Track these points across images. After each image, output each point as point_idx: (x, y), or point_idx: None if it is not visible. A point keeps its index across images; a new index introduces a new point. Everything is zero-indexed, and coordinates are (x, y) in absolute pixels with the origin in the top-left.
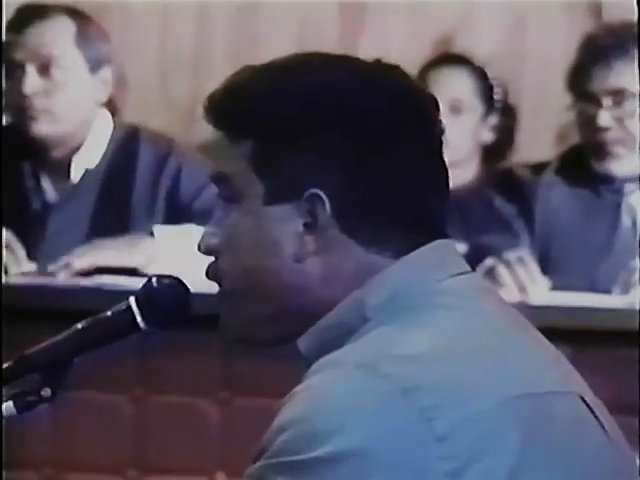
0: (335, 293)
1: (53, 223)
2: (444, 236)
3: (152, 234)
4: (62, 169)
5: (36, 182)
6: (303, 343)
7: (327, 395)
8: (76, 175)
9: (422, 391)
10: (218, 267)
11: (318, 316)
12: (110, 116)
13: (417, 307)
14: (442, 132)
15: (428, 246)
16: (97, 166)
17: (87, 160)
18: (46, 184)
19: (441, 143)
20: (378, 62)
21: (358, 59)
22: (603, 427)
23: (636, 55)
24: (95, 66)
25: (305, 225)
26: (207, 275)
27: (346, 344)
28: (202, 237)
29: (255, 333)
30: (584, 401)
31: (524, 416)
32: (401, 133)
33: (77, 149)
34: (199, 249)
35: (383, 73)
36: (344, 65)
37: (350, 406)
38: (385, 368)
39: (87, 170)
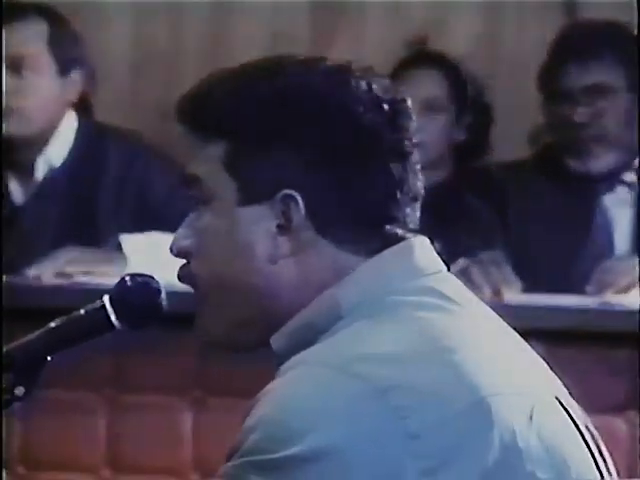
0: (310, 293)
1: (19, 225)
2: (417, 234)
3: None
4: (28, 170)
5: (3, 183)
6: (276, 342)
7: (299, 394)
8: (40, 175)
9: (395, 391)
10: (191, 270)
11: (292, 316)
12: (76, 117)
13: (388, 306)
14: (413, 134)
15: (401, 244)
16: (63, 166)
17: (51, 160)
18: (13, 185)
19: (413, 144)
20: (349, 64)
21: (329, 61)
22: (578, 428)
23: (611, 52)
24: (65, 68)
25: (279, 226)
26: (179, 278)
27: (318, 342)
28: (174, 240)
29: (232, 337)
30: (559, 402)
31: (498, 417)
32: (372, 135)
33: (43, 150)
34: (171, 251)
35: (354, 75)
36: (315, 67)
37: (322, 405)
38: (357, 368)
39: (52, 170)
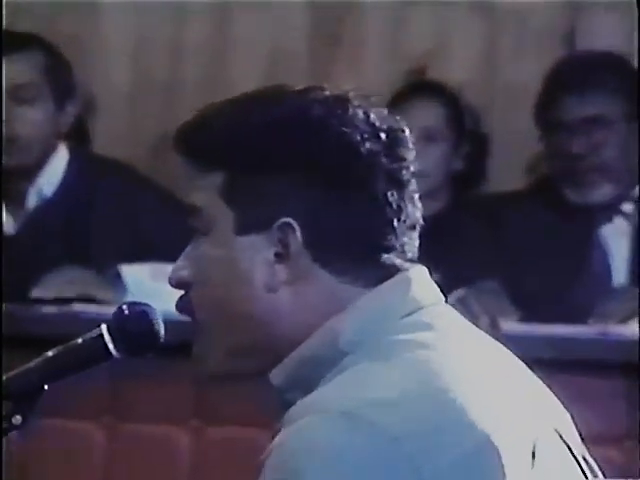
0: (308, 323)
1: (10, 255)
2: (416, 263)
3: (118, 275)
4: (19, 200)
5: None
6: (277, 377)
7: (315, 447)
8: (31, 205)
9: (408, 438)
10: (189, 300)
11: (291, 347)
12: (68, 148)
13: (388, 346)
14: (411, 162)
15: (398, 277)
16: (54, 196)
17: (42, 190)
18: (4, 215)
19: (411, 173)
20: (347, 93)
21: (326, 90)
22: (576, 459)
23: (608, 83)
24: (60, 99)
25: (276, 255)
26: (177, 309)
27: (323, 379)
28: (172, 270)
29: (230, 366)
30: (559, 434)
31: (505, 454)
32: (369, 163)
33: (34, 180)
34: (170, 282)
35: (352, 104)
36: (312, 96)
37: (337, 458)
38: (370, 415)
39: (43, 200)
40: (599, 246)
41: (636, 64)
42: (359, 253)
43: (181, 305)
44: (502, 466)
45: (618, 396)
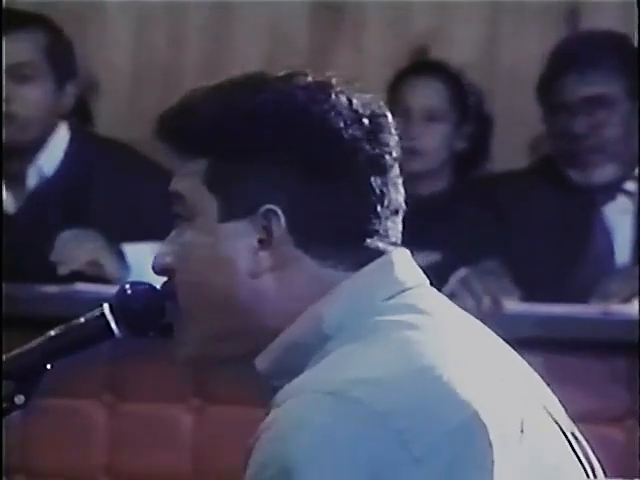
0: (292, 308)
1: (10, 234)
2: (399, 247)
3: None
4: (20, 179)
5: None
6: (261, 363)
7: (303, 427)
8: (32, 184)
9: (395, 414)
10: (173, 286)
11: (275, 332)
12: (69, 128)
13: (373, 328)
14: (393, 148)
15: (381, 259)
16: (54, 176)
17: (42, 169)
18: (4, 194)
19: (393, 158)
20: (329, 79)
21: (309, 77)
22: (566, 436)
23: (610, 63)
24: (61, 79)
25: (260, 241)
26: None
27: (308, 364)
28: (155, 257)
29: (211, 350)
30: (547, 411)
31: (492, 430)
32: (352, 149)
33: (34, 159)
34: (153, 269)
35: (334, 90)
36: (295, 83)
37: (325, 436)
38: (355, 392)
39: (43, 179)
40: (602, 225)
41: (637, 42)
42: (342, 238)
43: (166, 290)
44: (489, 442)
45: (619, 375)
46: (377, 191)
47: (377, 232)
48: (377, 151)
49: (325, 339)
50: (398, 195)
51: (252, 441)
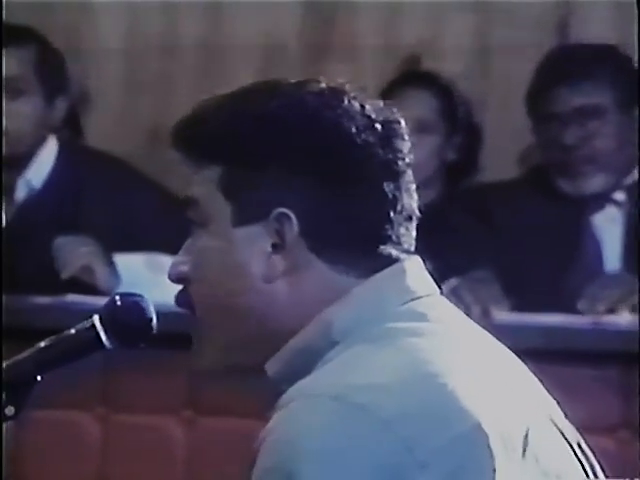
0: (305, 313)
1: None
2: (411, 254)
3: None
4: (9, 191)
5: None
6: (272, 367)
7: (301, 432)
8: (21, 197)
9: (398, 421)
10: (189, 295)
11: (287, 337)
12: (57, 141)
13: (381, 334)
14: (406, 154)
15: (393, 267)
16: (43, 188)
17: (31, 182)
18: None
19: (406, 164)
20: (342, 85)
21: (322, 83)
22: (572, 447)
23: (600, 73)
24: (51, 94)
25: (273, 245)
26: (177, 303)
27: (315, 369)
28: (172, 265)
29: (229, 360)
30: (553, 422)
31: (496, 439)
32: (365, 155)
33: (23, 171)
34: (169, 277)
35: (347, 96)
36: (309, 89)
37: (329, 441)
38: (358, 398)
39: (32, 192)
40: (591, 235)
41: (630, 52)
42: (355, 243)
43: (181, 300)
44: (491, 452)
45: (611, 385)
46: (390, 196)
47: (390, 238)
48: (390, 157)
49: (333, 344)
50: (411, 201)
51: (256, 444)
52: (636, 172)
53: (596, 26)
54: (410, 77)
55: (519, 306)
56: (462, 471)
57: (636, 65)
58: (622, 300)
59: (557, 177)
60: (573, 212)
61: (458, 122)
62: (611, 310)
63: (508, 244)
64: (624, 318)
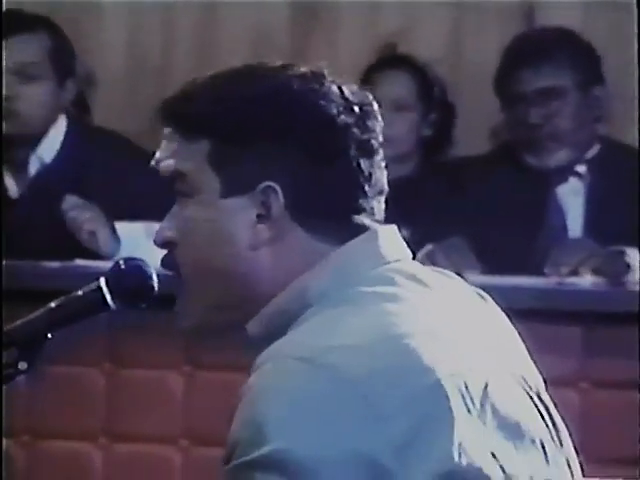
0: (285, 279)
1: (14, 217)
2: (384, 224)
3: (114, 230)
4: (22, 167)
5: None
6: (252, 328)
7: (271, 392)
8: (33, 171)
9: (365, 380)
10: (175, 258)
11: (269, 300)
12: (67, 120)
13: (352, 297)
14: (379, 133)
15: (366, 234)
16: (53, 163)
17: (43, 158)
18: (8, 180)
19: (379, 143)
20: (322, 70)
21: (306, 67)
22: (538, 409)
23: (561, 56)
24: (62, 77)
25: (259, 215)
26: (163, 266)
27: (288, 331)
28: (158, 231)
29: (212, 319)
30: (516, 377)
31: (454, 395)
32: (344, 134)
33: (36, 148)
34: (155, 242)
35: (327, 80)
36: (292, 73)
37: (296, 399)
38: (325, 359)
39: (43, 166)
40: (556, 205)
41: (590, 36)
42: (334, 214)
43: (167, 262)
44: (450, 407)
45: (574, 341)
46: (365, 173)
47: (364, 210)
48: (365, 136)
49: (307, 306)
50: (382, 177)
51: (235, 402)
52: (596, 147)
53: (560, 12)
54: (389, 61)
55: (490, 269)
56: (423, 424)
57: (594, 48)
58: (583, 263)
59: (524, 152)
60: (539, 184)
61: (433, 101)
62: (574, 272)
63: (479, 213)
64: (586, 280)
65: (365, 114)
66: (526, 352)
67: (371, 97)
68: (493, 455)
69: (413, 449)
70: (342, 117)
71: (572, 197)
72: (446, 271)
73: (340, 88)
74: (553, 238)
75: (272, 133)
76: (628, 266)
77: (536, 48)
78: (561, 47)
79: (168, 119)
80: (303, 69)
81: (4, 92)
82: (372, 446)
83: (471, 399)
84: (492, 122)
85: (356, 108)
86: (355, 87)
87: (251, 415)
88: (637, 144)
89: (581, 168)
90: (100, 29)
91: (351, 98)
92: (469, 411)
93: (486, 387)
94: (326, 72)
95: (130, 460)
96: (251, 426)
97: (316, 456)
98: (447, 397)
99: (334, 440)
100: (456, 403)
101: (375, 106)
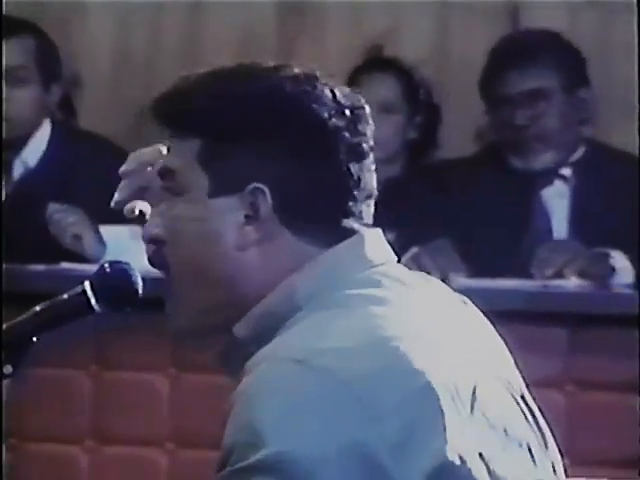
0: (273, 281)
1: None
2: (372, 227)
3: (99, 233)
4: (7, 170)
5: None
6: (239, 330)
7: (270, 392)
8: (17, 174)
9: (356, 382)
10: (163, 255)
11: (256, 302)
12: (51, 124)
13: (340, 300)
14: (370, 137)
15: (353, 238)
16: (37, 167)
17: (27, 161)
18: None
19: (370, 147)
20: (314, 72)
21: (296, 68)
22: (523, 412)
23: (546, 58)
24: (48, 81)
25: (247, 216)
26: (150, 262)
27: (278, 333)
28: (146, 228)
29: (200, 322)
30: (501, 381)
31: (445, 398)
32: (335, 137)
33: (20, 152)
34: (144, 239)
35: (319, 82)
36: (285, 74)
37: (292, 401)
38: (320, 361)
39: (27, 170)
40: (541, 207)
41: (576, 39)
42: (322, 217)
43: (155, 259)
44: (441, 409)
45: (559, 343)
46: (355, 176)
47: (353, 213)
48: (356, 140)
49: (295, 309)
50: (372, 180)
51: (227, 407)
52: (581, 149)
53: (545, 13)
54: (375, 63)
55: (475, 271)
56: (414, 426)
57: (579, 50)
58: (568, 265)
59: (509, 154)
60: (524, 186)
61: (419, 103)
62: (559, 274)
63: (465, 215)
64: (571, 282)
65: (356, 117)
66: (509, 355)
67: (363, 100)
68: (482, 456)
69: (407, 447)
70: (333, 120)
71: (557, 200)
72: (426, 274)
73: (332, 91)
74: (538, 240)
75: (263, 134)
76: (613, 268)
77: (522, 50)
78: (547, 49)
79: (160, 115)
80: (296, 70)
81: None
82: (369, 444)
83: (461, 401)
84: (477, 124)
85: (347, 111)
86: (347, 90)
87: (247, 419)
88: (622, 147)
89: (566, 171)
90: (86, 30)
91: (343, 101)
92: (459, 413)
93: (474, 390)
94: (318, 74)
95: (116, 463)
96: (247, 430)
97: (314, 457)
98: (438, 398)
99: (331, 441)
100: (447, 404)
101: (367, 109)
